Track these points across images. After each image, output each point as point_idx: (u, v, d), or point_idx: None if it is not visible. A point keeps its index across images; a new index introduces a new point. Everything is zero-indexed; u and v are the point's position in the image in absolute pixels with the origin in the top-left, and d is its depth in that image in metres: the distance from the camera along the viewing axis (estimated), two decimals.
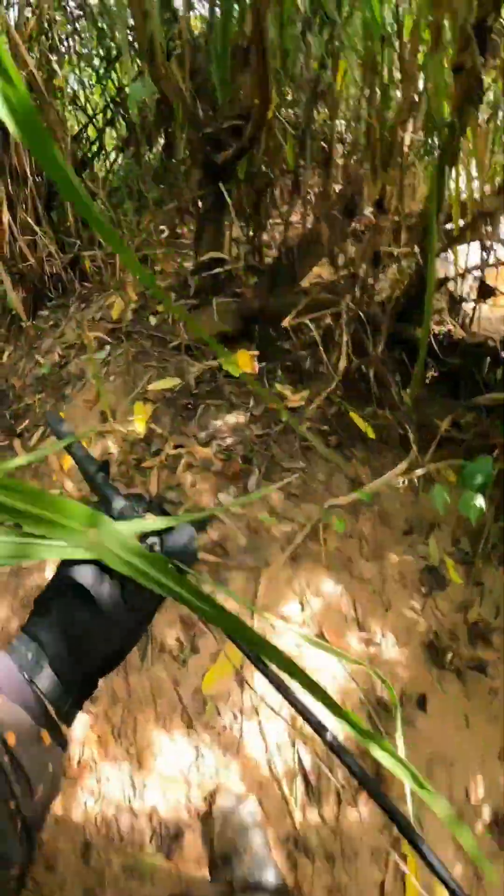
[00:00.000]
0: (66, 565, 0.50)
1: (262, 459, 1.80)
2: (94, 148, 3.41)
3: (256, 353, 2.06)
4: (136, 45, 3.06)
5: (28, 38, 2.75)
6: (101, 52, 3.37)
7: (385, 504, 1.78)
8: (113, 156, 3.58)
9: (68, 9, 3.11)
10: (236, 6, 1.89)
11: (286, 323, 1.92)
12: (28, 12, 2.72)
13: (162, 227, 3.41)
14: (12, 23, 2.61)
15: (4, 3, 2.86)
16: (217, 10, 1.97)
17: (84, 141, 3.42)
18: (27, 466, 2.08)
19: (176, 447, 1.80)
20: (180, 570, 0.53)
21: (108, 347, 2.26)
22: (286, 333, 2.04)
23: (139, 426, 1.87)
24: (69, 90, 3.35)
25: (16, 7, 2.76)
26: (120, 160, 3.62)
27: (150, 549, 0.54)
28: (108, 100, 3.35)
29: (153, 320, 2.28)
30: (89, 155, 3.35)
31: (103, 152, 3.49)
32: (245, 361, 2.11)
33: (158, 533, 0.55)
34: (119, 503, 0.59)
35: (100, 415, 1.99)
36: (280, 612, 1.49)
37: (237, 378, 2.07)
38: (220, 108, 2.08)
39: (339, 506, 1.66)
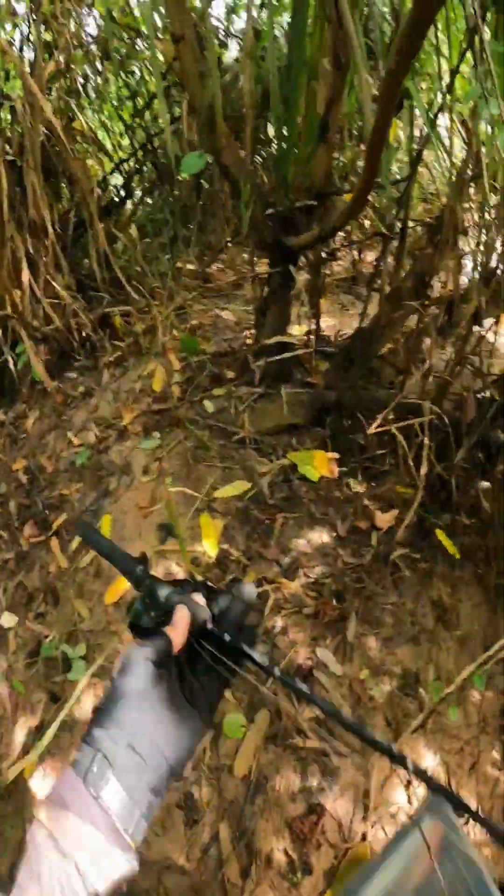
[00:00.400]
0: (123, 672, 0.49)
1: (357, 597, 1.55)
2: (121, 192, 3.11)
3: (336, 455, 1.82)
4: (173, 94, 2.82)
5: (46, 80, 2.45)
6: (127, 93, 3.09)
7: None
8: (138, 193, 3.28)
9: (91, 49, 2.81)
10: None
11: (371, 430, 1.68)
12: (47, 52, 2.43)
13: (193, 270, 3.14)
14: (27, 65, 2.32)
15: (18, 43, 2.57)
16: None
17: (109, 185, 3.11)
18: (67, 570, 1.79)
19: (259, 581, 1.53)
20: (240, 649, 0.53)
21: (157, 435, 1.97)
22: (361, 424, 1.80)
23: (210, 547, 1.60)
24: (93, 132, 3.05)
25: (33, 48, 2.45)
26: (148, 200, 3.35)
27: (205, 629, 0.54)
28: (137, 146, 3.06)
29: (209, 406, 2.00)
30: (116, 199, 3.06)
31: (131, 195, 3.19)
32: (322, 464, 1.86)
33: (213, 613, 0.56)
34: (164, 591, 0.58)
35: (157, 528, 1.70)
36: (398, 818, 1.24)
37: (314, 482, 1.81)
38: (292, 183, 1.82)
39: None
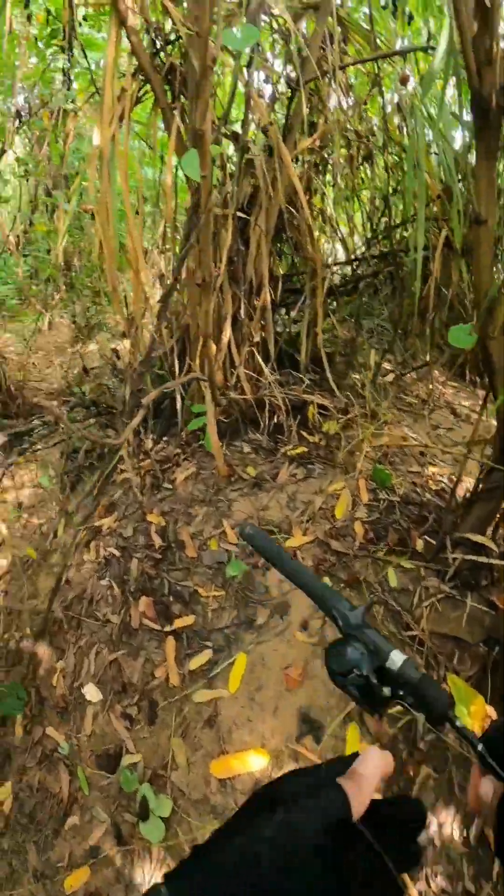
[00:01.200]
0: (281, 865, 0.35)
1: None
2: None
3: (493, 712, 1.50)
4: None
5: (298, 152, 2.26)
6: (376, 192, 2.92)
7: None
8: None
9: (352, 144, 2.63)
10: None
11: None
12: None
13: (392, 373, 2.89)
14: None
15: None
16: None
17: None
18: (176, 689, 1.52)
19: None
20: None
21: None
22: None
23: None
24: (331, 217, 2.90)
25: (288, 117, 2.28)
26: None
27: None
28: (378, 251, 2.87)
29: (393, 578, 1.71)
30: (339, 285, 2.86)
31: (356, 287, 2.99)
32: (479, 714, 1.55)
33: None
34: (398, 656, 0.51)
35: (299, 716, 1.42)
36: None
37: None
38: None
39: None
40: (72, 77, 2.91)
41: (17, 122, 3.25)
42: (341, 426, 2.32)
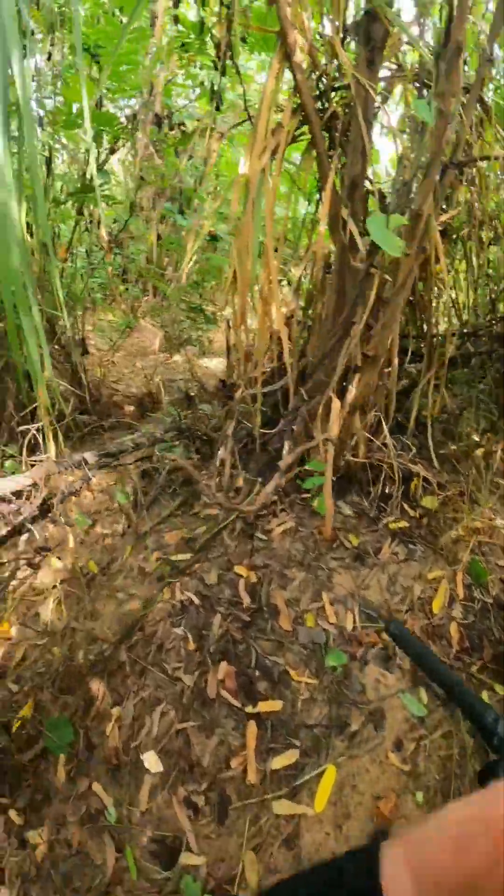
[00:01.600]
0: None
1: None
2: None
3: None
4: None
5: None
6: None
7: None
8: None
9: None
10: None
11: None
12: None
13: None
14: None
15: None
16: None
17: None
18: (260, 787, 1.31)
19: None
20: None
21: (423, 696, 1.47)
22: None
23: None
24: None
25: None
26: None
27: None
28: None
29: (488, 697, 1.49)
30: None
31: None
32: None
33: None
34: None
35: None
36: None
37: None
38: None
39: None
40: (221, 97, 2.77)
41: (137, 125, 3.11)
42: (440, 502, 2.12)
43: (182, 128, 3.18)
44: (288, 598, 1.69)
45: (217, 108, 2.54)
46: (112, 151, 3.21)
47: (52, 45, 2.85)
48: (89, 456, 1.66)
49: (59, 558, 2.27)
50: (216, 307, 3.31)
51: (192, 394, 2.65)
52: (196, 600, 1.73)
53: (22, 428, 2.13)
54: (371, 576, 1.77)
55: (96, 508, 2.40)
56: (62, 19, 2.83)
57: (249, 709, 1.44)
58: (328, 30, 1.90)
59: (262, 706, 1.44)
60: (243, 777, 1.34)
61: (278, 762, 1.35)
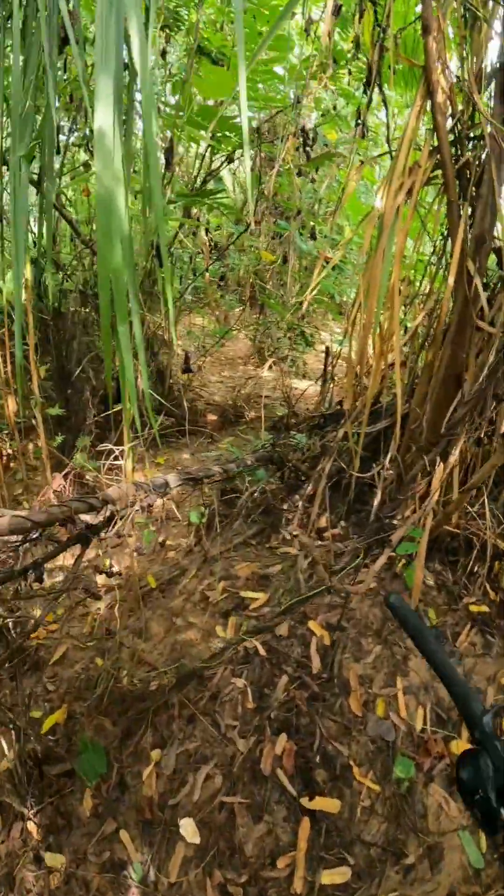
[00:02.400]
0: None
1: None
2: None
3: None
4: None
5: None
6: None
7: None
8: None
9: None
10: None
11: None
12: None
13: None
14: None
15: None
16: None
17: None
18: None
19: None
20: None
21: (483, 839, 1.22)
22: None
23: None
24: None
25: None
26: None
27: None
28: None
29: None
30: None
31: None
32: None
33: None
34: None
35: None
36: None
37: None
38: None
39: None
40: (366, 125, 2.51)
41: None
42: None
43: (313, 148, 2.99)
44: (361, 673, 1.47)
45: (363, 136, 2.34)
46: (230, 160, 3.05)
47: (166, 41, 2.67)
48: (172, 479, 1.50)
49: (116, 563, 2.13)
50: (315, 330, 3.11)
51: (286, 420, 2.46)
52: (262, 651, 1.54)
53: (102, 447, 2.01)
54: (497, 667, 1.52)
55: (167, 518, 2.25)
56: (175, 19, 2.66)
57: (305, 801, 1.24)
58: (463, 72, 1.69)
59: (319, 803, 1.23)
60: (288, 883, 1.14)
61: (329, 877, 1.14)
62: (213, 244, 3.28)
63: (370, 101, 2.09)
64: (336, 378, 2.72)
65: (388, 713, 1.38)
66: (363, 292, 1.66)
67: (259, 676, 1.49)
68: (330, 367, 2.65)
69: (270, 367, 3.10)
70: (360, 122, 2.25)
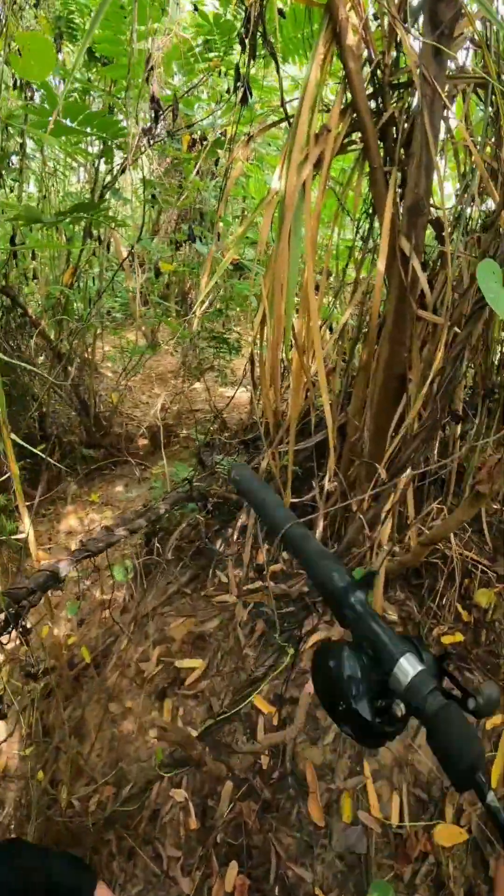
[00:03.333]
0: None
1: None
2: None
3: None
4: None
5: None
6: None
7: None
8: None
9: None
10: None
11: None
12: None
13: None
14: None
15: None
16: None
17: None
18: None
19: None
20: None
21: None
22: None
23: None
24: None
25: None
26: None
27: None
28: None
29: None
30: None
31: None
32: None
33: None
34: (410, 664, 0.32)
35: None
36: None
37: None
38: None
39: None
40: (250, 93, 2.00)
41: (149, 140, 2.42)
42: (497, 598, 1.57)
43: (203, 143, 2.54)
44: (321, 762, 1.17)
45: (244, 101, 1.81)
46: (123, 170, 2.57)
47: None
48: (63, 566, 1.14)
49: (52, 632, 1.78)
50: (240, 335, 2.75)
51: (214, 438, 2.12)
52: (197, 745, 1.22)
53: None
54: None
55: (95, 588, 1.90)
56: None
57: None
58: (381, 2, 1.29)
59: None
60: None
61: None
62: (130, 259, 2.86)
63: (252, 52, 1.62)
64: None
65: (355, 813, 1.09)
66: (266, 297, 1.30)
67: (200, 783, 1.17)
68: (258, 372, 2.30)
69: (198, 379, 2.74)
70: (239, 84, 1.74)
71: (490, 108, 1.33)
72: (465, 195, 1.42)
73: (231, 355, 2.74)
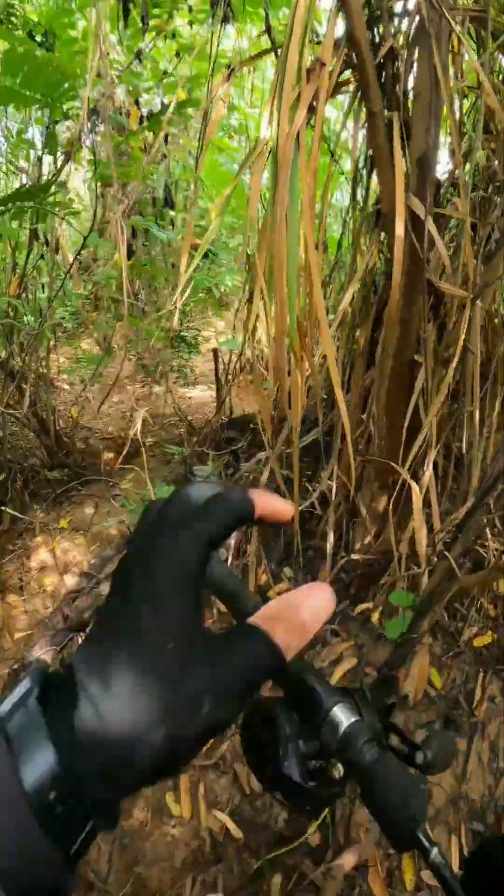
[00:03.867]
0: None
1: None
2: None
3: None
4: None
5: None
6: None
7: None
8: None
9: None
10: None
11: None
12: None
13: None
14: None
15: None
16: None
17: None
18: None
19: None
20: None
21: None
22: None
23: None
24: None
25: None
26: None
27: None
28: None
29: None
30: None
31: None
32: None
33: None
34: (341, 711, 0.30)
35: None
36: None
37: None
38: None
39: None
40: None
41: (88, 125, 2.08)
42: None
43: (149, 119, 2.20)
44: (371, 823, 0.97)
45: (225, 19, 1.36)
46: (67, 158, 2.21)
47: None
48: (48, 656, 0.86)
49: None
50: (197, 332, 2.49)
51: (193, 451, 1.87)
52: (233, 830, 0.99)
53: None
54: (471, 754, 1.06)
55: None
56: None
57: None
58: None
59: None
60: None
61: None
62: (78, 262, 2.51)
63: None
64: (232, 378, 2.15)
65: (418, 875, 0.90)
66: (262, 273, 1.02)
67: (240, 875, 0.95)
68: (222, 368, 2.07)
69: (158, 382, 2.47)
70: None
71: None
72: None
73: (189, 354, 2.48)
